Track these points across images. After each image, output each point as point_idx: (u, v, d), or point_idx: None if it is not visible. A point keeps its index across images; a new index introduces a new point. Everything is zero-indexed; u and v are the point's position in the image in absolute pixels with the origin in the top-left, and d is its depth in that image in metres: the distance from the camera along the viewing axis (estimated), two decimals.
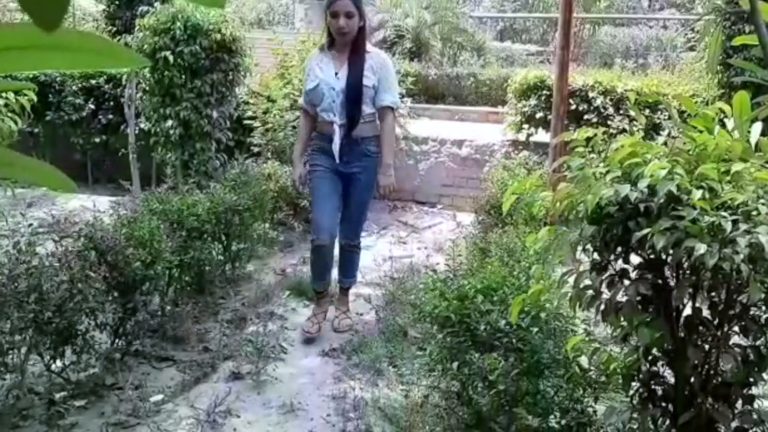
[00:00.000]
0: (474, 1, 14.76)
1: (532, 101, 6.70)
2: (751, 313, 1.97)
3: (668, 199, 1.77)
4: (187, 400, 3.16)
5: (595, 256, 2.05)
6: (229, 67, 5.25)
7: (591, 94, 6.44)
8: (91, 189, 6.93)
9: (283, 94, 5.96)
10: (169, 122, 4.97)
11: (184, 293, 4.03)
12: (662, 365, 2.14)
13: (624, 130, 5.93)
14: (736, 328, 1.99)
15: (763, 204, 1.78)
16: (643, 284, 1.88)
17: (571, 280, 2.10)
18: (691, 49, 10.61)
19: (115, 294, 3.30)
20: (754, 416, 1.98)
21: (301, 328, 3.88)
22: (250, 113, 6.05)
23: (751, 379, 1.99)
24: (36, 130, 6.66)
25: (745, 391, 2.02)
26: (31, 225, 3.20)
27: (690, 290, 1.94)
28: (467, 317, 2.55)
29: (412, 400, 2.99)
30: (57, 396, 3.03)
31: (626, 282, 1.97)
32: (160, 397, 3.16)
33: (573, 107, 6.34)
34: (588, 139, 2.09)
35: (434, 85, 9.66)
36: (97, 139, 6.99)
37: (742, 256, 1.64)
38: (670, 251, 1.78)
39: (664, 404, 2.09)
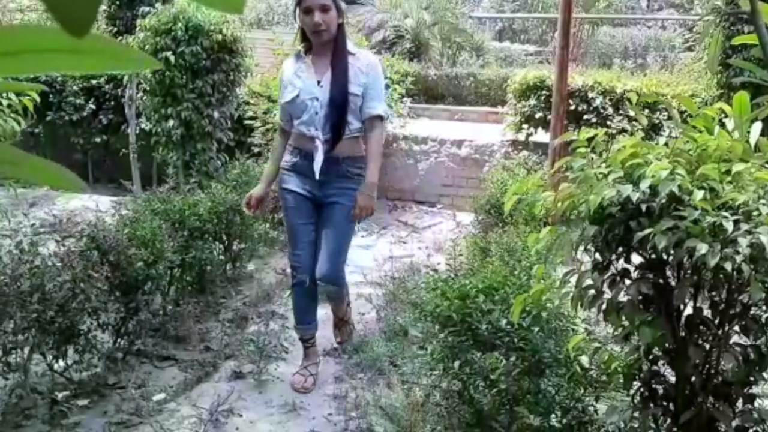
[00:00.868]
0: (473, 1, 14.77)
1: (532, 101, 6.71)
2: (752, 312, 1.98)
3: (670, 199, 1.78)
4: (189, 399, 3.18)
5: (597, 255, 2.06)
6: (230, 68, 5.26)
7: (590, 95, 6.46)
8: (92, 189, 6.93)
9: None
10: (171, 122, 4.98)
11: (186, 293, 4.05)
12: (663, 364, 2.16)
13: (624, 130, 5.94)
14: (736, 328, 2.00)
15: (763, 204, 1.79)
16: (644, 284, 1.89)
17: (573, 279, 2.11)
18: (690, 49, 10.63)
19: (118, 294, 3.31)
20: (755, 415, 1.99)
21: (290, 383, 3.33)
22: (250, 113, 6.06)
23: (752, 379, 2.00)
24: (37, 130, 6.67)
25: (745, 390, 2.03)
26: (33, 225, 3.21)
27: (691, 290, 1.96)
28: (469, 316, 2.56)
29: (413, 400, 3.00)
30: (60, 395, 3.04)
31: (627, 282, 1.99)
32: (162, 396, 3.17)
33: (572, 107, 6.36)
34: (589, 140, 2.10)
35: (434, 85, 9.67)
36: (98, 139, 7.00)
37: (743, 256, 1.65)
38: (672, 251, 1.80)
39: (665, 403, 2.11)
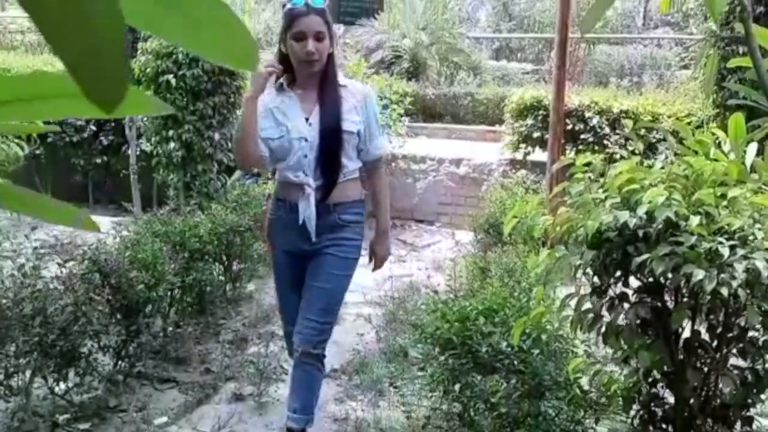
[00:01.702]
0: (470, 21, 14.90)
1: (529, 121, 6.77)
2: (749, 335, 2.00)
3: (666, 225, 1.81)
4: (190, 422, 3.18)
5: (595, 279, 2.09)
6: (231, 90, 5.30)
7: (587, 114, 6.51)
8: (92, 210, 6.96)
9: None
10: (172, 144, 5.01)
11: (186, 314, 4.06)
12: (662, 387, 2.18)
13: (621, 148, 5.98)
14: (734, 350, 2.03)
15: (759, 229, 1.82)
16: (642, 308, 1.91)
17: (573, 303, 2.14)
18: (686, 67, 10.72)
19: (119, 316, 3.33)
20: None
21: None
22: None
23: (750, 401, 2.02)
24: (38, 152, 6.71)
25: (743, 412, 2.05)
26: (36, 248, 3.23)
27: (689, 313, 1.98)
28: (469, 339, 2.58)
29: (413, 422, 3.01)
30: (61, 418, 3.05)
31: (626, 305, 2.01)
32: (164, 419, 3.18)
33: (570, 127, 6.41)
34: (587, 164, 2.14)
35: (432, 105, 9.75)
36: (99, 160, 7.03)
37: (739, 281, 1.68)
38: (669, 276, 1.83)
39: (664, 426, 2.13)
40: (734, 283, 1.68)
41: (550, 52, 10.85)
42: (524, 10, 15.06)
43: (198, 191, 5.15)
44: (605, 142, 6.34)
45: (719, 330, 2.00)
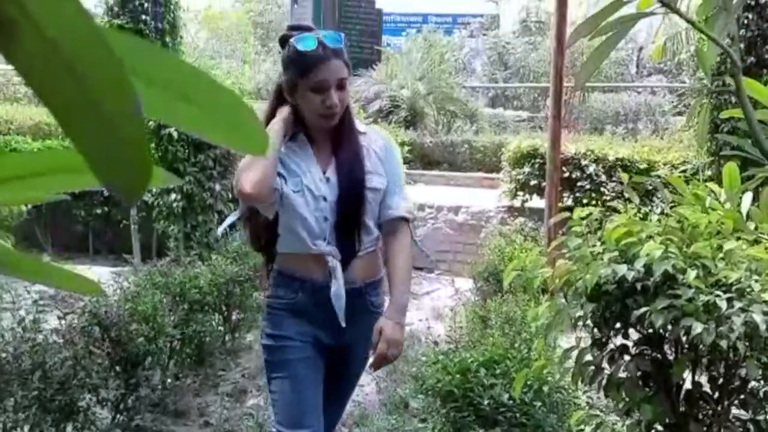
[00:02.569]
0: (466, 71, 15.16)
1: (526, 169, 6.85)
2: (750, 386, 2.00)
3: (664, 278, 1.83)
4: None
5: (596, 331, 2.10)
6: None
7: (584, 162, 6.59)
8: (92, 260, 6.97)
9: None
10: (173, 195, 5.07)
11: (185, 366, 4.04)
12: None
13: (618, 197, 6.04)
14: (736, 402, 2.02)
15: (756, 281, 1.84)
16: (642, 361, 1.92)
17: (573, 354, 2.14)
18: (680, 114, 10.88)
19: (118, 369, 3.31)
20: None
21: None
22: None
23: None
24: (38, 202, 6.74)
25: None
26: (36, 301, 3.23)
27: (689, 365, 1.98)
28: (470, 391, 2.57)
29: None
30: None
31: (626, 357, 2.02)
32: None
33: (566, 174, 6.48)
34: (584, 217, 2.16)
35: (430, 152, 9.87)
36: (99, 211, 7.07)
37: (737, 333, 1.69)
38: (669, 328, 1.84)
39: None
40: (733, 336, 1.69)
41: (545, 99, 11.03)
42: (519, 59, 15.34)
43: (198, 242, 5.18)
44: (602, 189, 6.41)
45: (720, 381, 2.00)
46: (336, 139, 2.12)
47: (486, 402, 2.51)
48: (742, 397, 2.01)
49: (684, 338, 1.91)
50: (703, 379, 2.07)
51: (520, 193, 6.93)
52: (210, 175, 5.15)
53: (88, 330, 3.15)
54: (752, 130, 1.40)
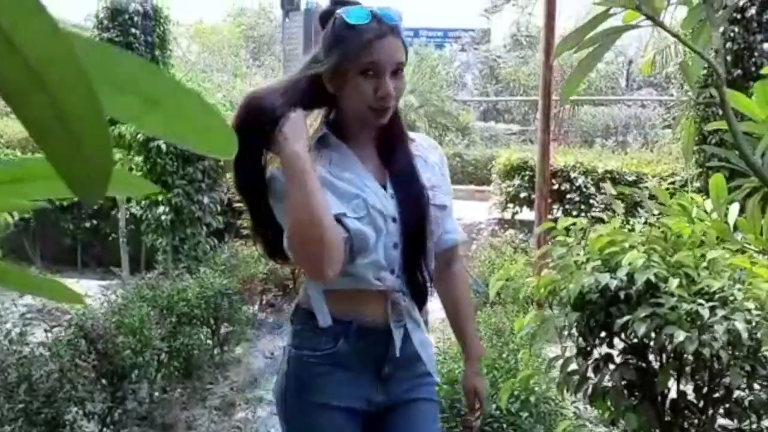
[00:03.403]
0: (457, 84, 15.24)
1: (516, 181, 6.88)
2: (735, 395, 2.01)
3: (647, 286, 1.84)
4: None
5: (580, 340, 2.10)
6: None
7: (573, 174, 6.63)
8: (81, 273, 6.94)
9: None
10: (161, 208, 5.06)
11: (173, 379, 4.01)
12: None
13: (606, 208, 6.07)
14: (721, 411, 2.03)
15: (739, 289, 1.85)
16: (626, 370, 1.92)
17: (559, 364, 2.14)
18: (669, 127, 10.96)
19: (104, 382, 3.28)
20: None
21: None
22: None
23: None
24: (27, 215, 6.72)
25: None
26: (23, 314, 3.21)
27: (674, 374, 1.99)
28: (457, 402, 2.56)
29: None
30: None
31: (611, 366, 2.02)
32: None
33: (556, 187, 6.51)
34: (568, 228, 2.18)
35: None
36: (88, 224, 7.04)
37: (720, 342, 1.69)
38: (653, 336, 1.84)
39: None
40: (716, 345, 1.70)
41: (536, 113, 11.10)
42: (510, 73, 15.45)
43: (187, 254, 5.17)
44: (591, 201, 6.44)
45: (705, 390, 2.00)
46: (384, 143, 1.58)
47: None
48: (727, 405, 2.01)
49: (668, 347, 1.92)
50: (689, 388, 2.07)
51: (510, 205, 6.96)
52: (198, 188, 5.14)
53: (74, 343, 3.13)
54: (737, 142, 1.41)
